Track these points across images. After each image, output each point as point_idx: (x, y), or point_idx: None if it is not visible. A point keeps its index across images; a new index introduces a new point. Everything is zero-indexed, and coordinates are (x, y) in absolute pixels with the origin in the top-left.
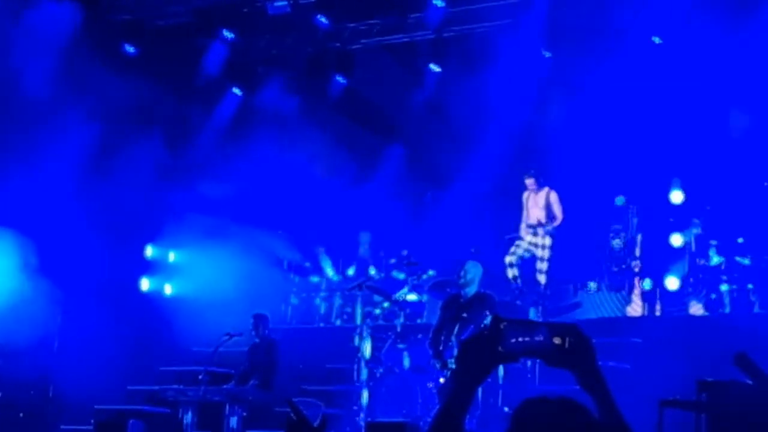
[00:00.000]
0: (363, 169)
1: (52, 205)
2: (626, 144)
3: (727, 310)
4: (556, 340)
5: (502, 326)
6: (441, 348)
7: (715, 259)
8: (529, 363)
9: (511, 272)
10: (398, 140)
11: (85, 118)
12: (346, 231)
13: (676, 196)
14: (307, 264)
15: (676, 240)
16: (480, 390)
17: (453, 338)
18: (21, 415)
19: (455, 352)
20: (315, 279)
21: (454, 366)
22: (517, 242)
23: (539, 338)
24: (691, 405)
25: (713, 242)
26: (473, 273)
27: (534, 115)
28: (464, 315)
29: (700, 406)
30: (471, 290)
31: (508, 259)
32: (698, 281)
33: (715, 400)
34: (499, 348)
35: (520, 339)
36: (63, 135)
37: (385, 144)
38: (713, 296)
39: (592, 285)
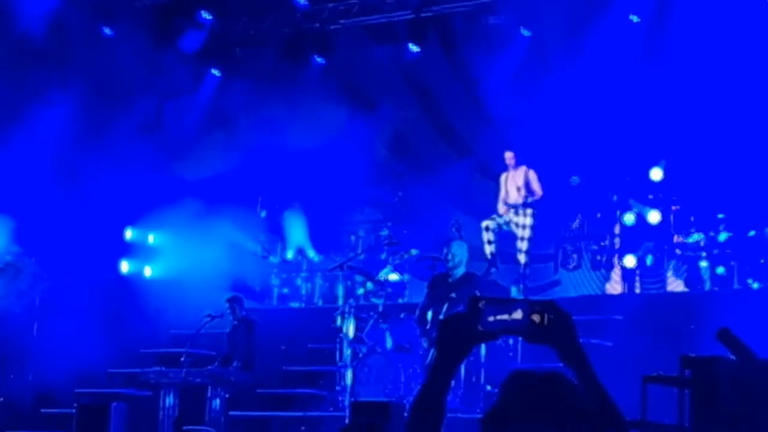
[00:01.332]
0: (341, 149)
1: (30, 187)
2: (605, 123)
3: (707, 286)
4: (535, 318)
5: (480, 305)
6: (428, 327)
7: (695, 236)
8: (510, 341)
9: (486, 236)
10: (377, 120)
11: (64, 98)
12: (326, 211)
13: (656, 174)
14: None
15: (654, 217)
16: (462, 368)
17: (441, 317)
18: (1, 399)
19: None
20: (289, 255)
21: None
22: (500, 213)
23: (518, 316)
24: (675, 381)
25: (692, 219)
26: (460, 254)
27: (513, 94)
28: (453, 295)
29: (684, 382)
30: (459, 271)
31: (485, 223)
32: (676, 257)
33: (698, 376)
34: (479, 327)
35: (499, 317)
36: (42, 116)
37: (363, 124)
38: (692, 272)
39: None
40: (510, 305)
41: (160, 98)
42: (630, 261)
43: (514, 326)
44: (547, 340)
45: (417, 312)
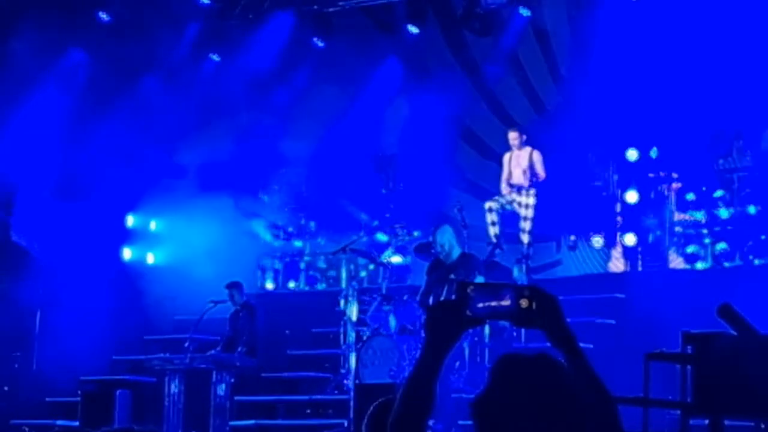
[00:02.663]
0: (340, 130)
1: (28, 175)
2: (609, 101)
3: (709, 263)
4: (523, 302)
5: (469, 291)
6: None
7: (696, 214)
8: None
9: (490, 217)
10: (375, 102)
11: (62, 85)
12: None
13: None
14: (290, 228)
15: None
16: (466, 348)
17: (441, 299)
18: (6, 388)
19: None
20: (298, 243)
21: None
22: (502, 194)
23: (506, 301)
24: (677, 357)
25: (693, 196)
26: (447, 240)
27: (511, 73)
28: (452, 276)
29: (686, 358)
30: (454, 254)
31: (488, 204)
32: (678, 235)
33: (700, 352)
34: (467, 312)
35: (487, 303)
36: (40, 102)
37: (363, 105)
38: (694, 249)
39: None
40: (498, 291)
41: (160, 83)
42: (631, 239)
43: (502, 311)
44: (535, 324)
45: (419, 296)
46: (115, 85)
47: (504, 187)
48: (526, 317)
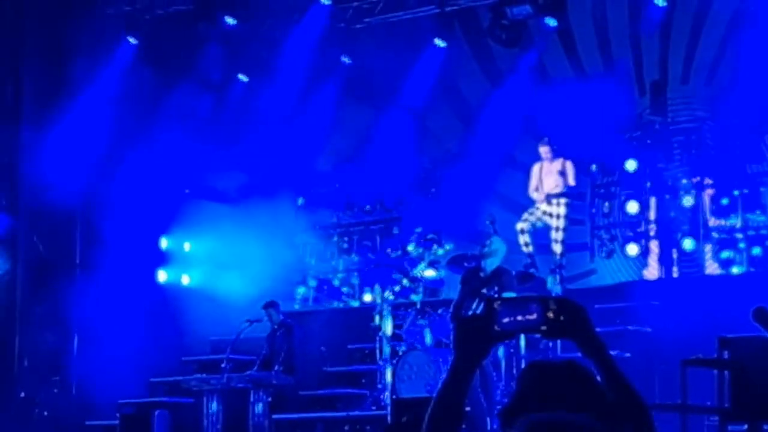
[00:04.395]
0: (369, 147)
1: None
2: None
3: (744, 267)
4: (549, 315)
5: (496, 306)
6: None
7: (730, 219)
8: None
9: (523, 239)
10: (406, 117)
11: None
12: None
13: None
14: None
15: (688, 201)
16: (503, 361)
17: (471, 312)
18: (45, 413)
19: None
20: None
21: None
22: (530, 210)
23: (532, 315)
24: (713, 362)
25: (725, 201)
26: (498, 246)
27: (539, 85)
28: (484, 291)
29: (722, 363)
30: (493, 262)
31: (519, 225)
32: (713, 241)
33: (736, 356)
34: (495, 327)
35: (514, 317)
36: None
37: (392, 122)
38: (729, 254)
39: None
40: (524, 304)
41: (187, 107)
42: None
43: (530, 325)
44: (564, 335)
45: (451, 308)
46: (140, 108)
47: (533, 194)
48: (553, 329)
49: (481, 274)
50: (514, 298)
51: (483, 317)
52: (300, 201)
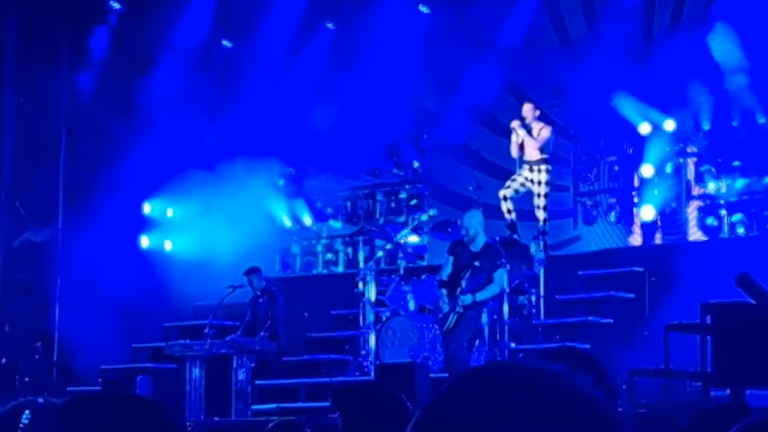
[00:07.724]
0: (352, 113)
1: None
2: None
3: (725, 234)
4: None
5: None
6: (451, 291)
7: (712, 185)
8: (533, 298)
9: (505, 206)
10: (387, 84)
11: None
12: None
13: (669, 125)
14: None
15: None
16: (486, 327)
17: (463, 282)
18: (26, 379)
19: (467, 297)
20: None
21: (461, 310)
22: (513, 177)
23: None
24: (696, 328)
25: (709, 168)
26: (475, 225)
27: (526, 48)
28: (476, 263)
29: (705, 329)
30: (480, 241)
31: (502, 192)
32: (695, 208)
33: (718, 322)
34: None
35: None
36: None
37: (373, 88)
38: (711, 221)
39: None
40: None
41: (170, 71)
42: (649, 213)
43: None
44: None
45: (438, 277)
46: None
47: (514, 151)
48: None
49: (471, 247)
50: None
51: None
52: (281, 182)
